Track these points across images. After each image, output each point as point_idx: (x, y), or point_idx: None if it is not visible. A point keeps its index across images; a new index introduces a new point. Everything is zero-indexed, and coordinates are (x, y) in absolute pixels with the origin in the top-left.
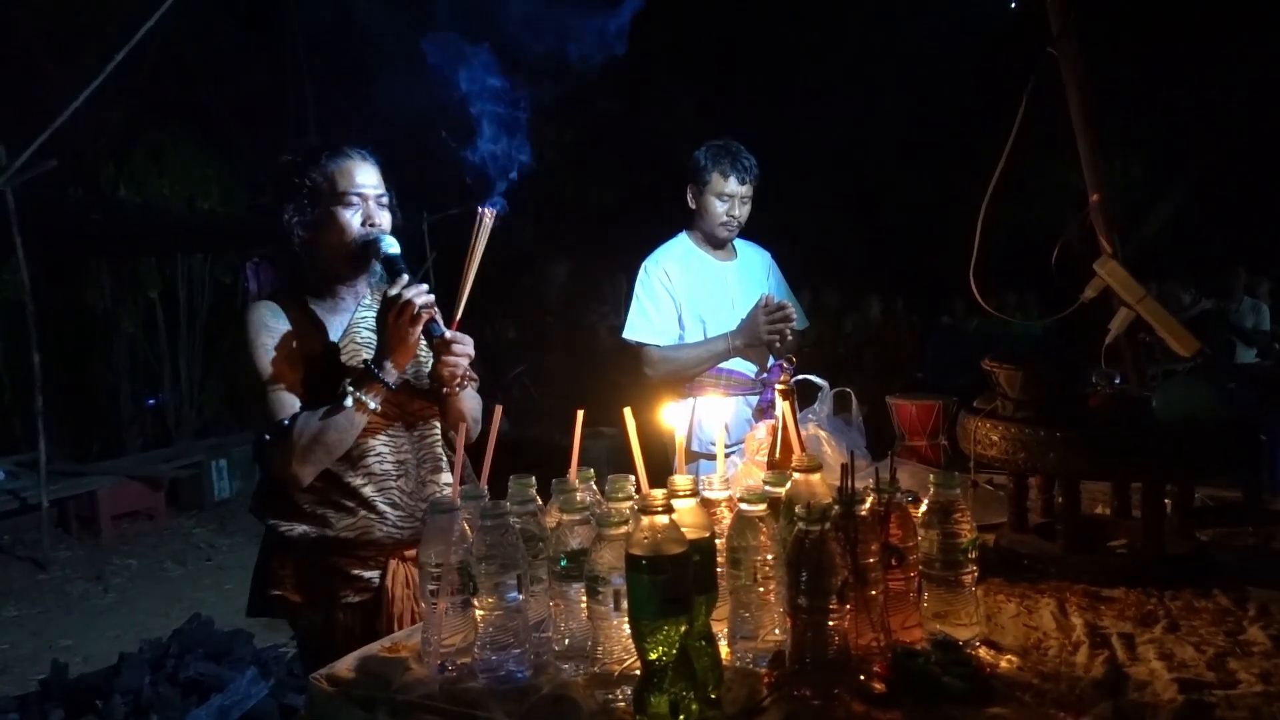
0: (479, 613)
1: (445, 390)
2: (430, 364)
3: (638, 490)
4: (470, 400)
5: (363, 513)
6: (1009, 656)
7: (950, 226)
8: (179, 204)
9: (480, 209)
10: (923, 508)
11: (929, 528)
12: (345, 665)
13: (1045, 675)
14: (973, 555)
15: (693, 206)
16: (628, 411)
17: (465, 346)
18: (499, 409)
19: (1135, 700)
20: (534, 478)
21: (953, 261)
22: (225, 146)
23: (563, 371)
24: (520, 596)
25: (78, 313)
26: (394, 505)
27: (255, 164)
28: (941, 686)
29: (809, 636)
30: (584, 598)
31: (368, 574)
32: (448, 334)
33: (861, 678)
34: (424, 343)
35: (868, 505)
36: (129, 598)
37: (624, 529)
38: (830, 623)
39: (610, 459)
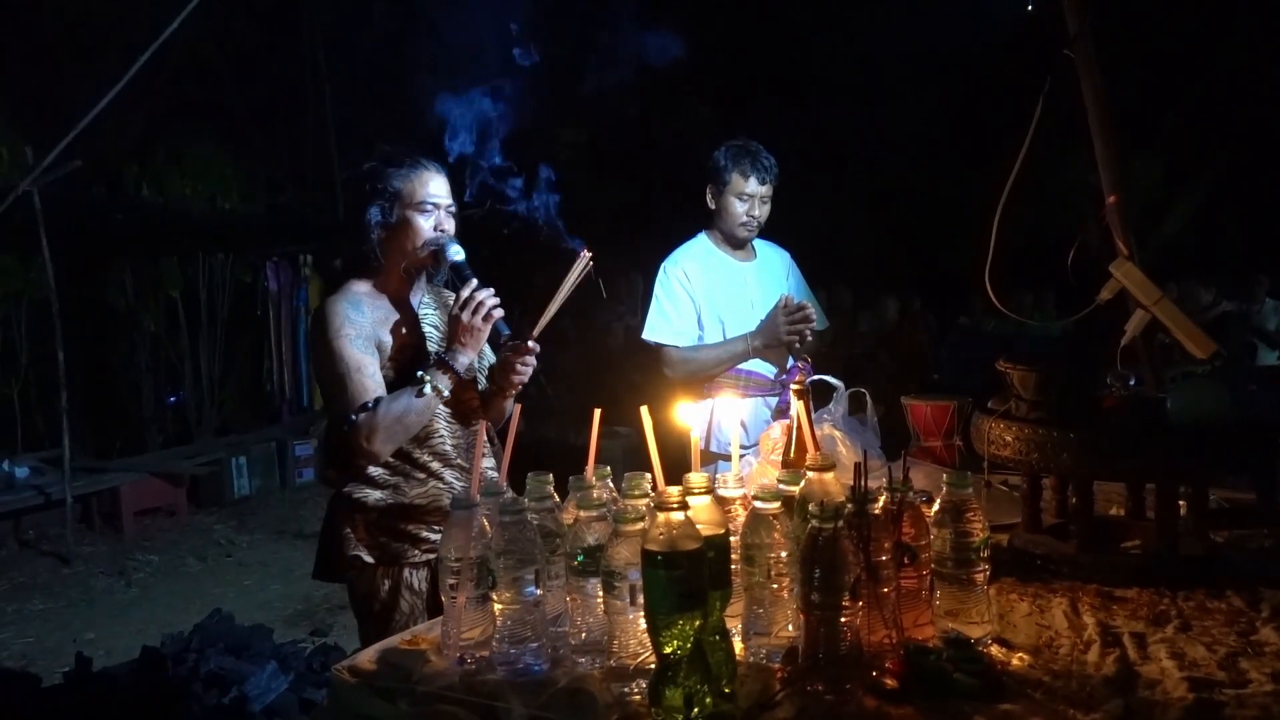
0: (497, 607)
1: (505, 391)
2: (482, 362)
3: (654, 488)
4: (510, 401)
5: (433, 483)
6: (1020, 654)
7: (967, 226)
8: (200, 204)
9: (579, 249)
10: (935, 507)
11: (941, 527)
12: (367, 657)
13: (1056, 673)
14: (985, 554)
15: (712, 207)
16: (644, 410)
17: (534, 358)
18: (518, 408)
19: (1145, 698)
20: (551, 475)
21: (970, 261)
22: (246, 147)
23: (578, 371)
24: (538, 591)
25: (101, 311)
26: (458, 479)
27: (275, 164)
28: (953, 683)
29: (822, 632)
30: (600, 593)
31: (434, 536)
32: (528, 343)
33: (874, 674)
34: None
35: (881, 504)
36: (151, 593)
37: (640, 525)
38: (843, 619)
39: (626, 458)
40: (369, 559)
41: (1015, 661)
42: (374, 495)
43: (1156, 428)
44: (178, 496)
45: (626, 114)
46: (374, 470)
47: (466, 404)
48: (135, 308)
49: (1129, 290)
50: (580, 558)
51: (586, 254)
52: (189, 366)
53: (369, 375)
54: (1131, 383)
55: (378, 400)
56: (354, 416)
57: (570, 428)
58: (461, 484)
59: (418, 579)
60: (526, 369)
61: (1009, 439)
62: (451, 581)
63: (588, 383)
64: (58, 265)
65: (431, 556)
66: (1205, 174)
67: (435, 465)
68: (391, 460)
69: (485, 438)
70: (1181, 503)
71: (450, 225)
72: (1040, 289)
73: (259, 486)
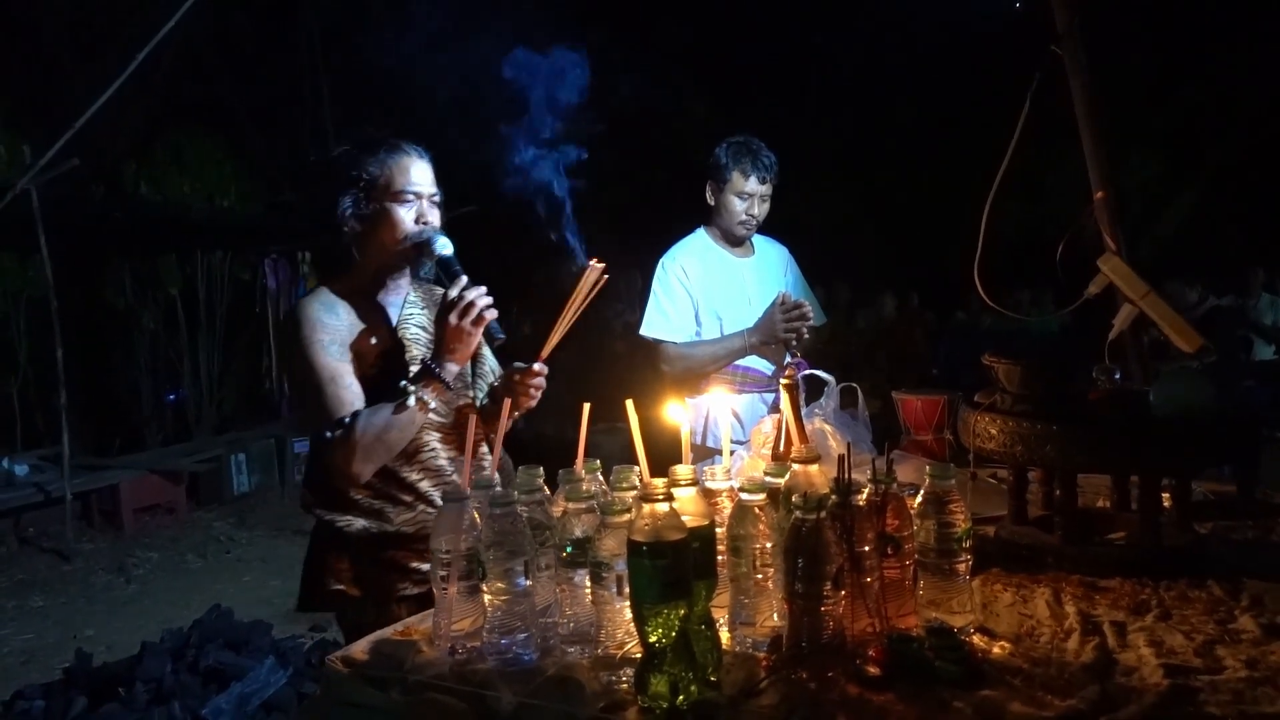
0: (487, 597)
1: (514, 412)
2: (470, 365)
3: (641, 480)
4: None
5: (421, 506)
6: (1002, 643)
7: (965, 223)
8: (198, 202)
9: (590, 262)
10: (918, 498)
11: (925, 518)
12: (360, 648)
13: (1036, 660)
14: (967, 545)
15: (711, 203)
16: (629, 404)
17: (543, 379)
18: (507, 402)
19: (1122, 684)
20: (542, 468)
21: (967, 258)
22: (244, 145)
23: (578, 368)
24: (527, 582)
25: (99, 310)
26: None
27: (274, 162)
28: (934, 670)
29: (805, 621)
30: (589, 583)
31: (426, 566)
32: (535, 366)
33: (857, 661)
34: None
35: (865, 495)
36: (150, 589)
37: (627, 516)
38: (825, 608)
39: (624, 454)
40: (354, 592)
41: (996, 650)
42: (358, 523)
43: (1139, 421)
44: (177, 494)
45: (625, 111)
46: (355, 494)
47: (464, 415)
48: (134, 306)
49: (1116, 285)
50: (569, 549)
51: (598, 265)
52: (188, 364)
53: (345, 386)
54: (1117, 376)
55: (355, 415)
56: (329, 434)
57: (569, 423)
58: None
59: (411, 612)
60: (537, 392)
61: (994, 432)
62: (442, 573)
63: (587, 379)
64: (56, 264)
65: (424, 589)
66: (1204, 170)
67: (424, 485)
68: (374, 482)
69: (482, 450)
70: (1165, 494)
71: (434, 216)
72: (1038, 286)
73: (258, 483)
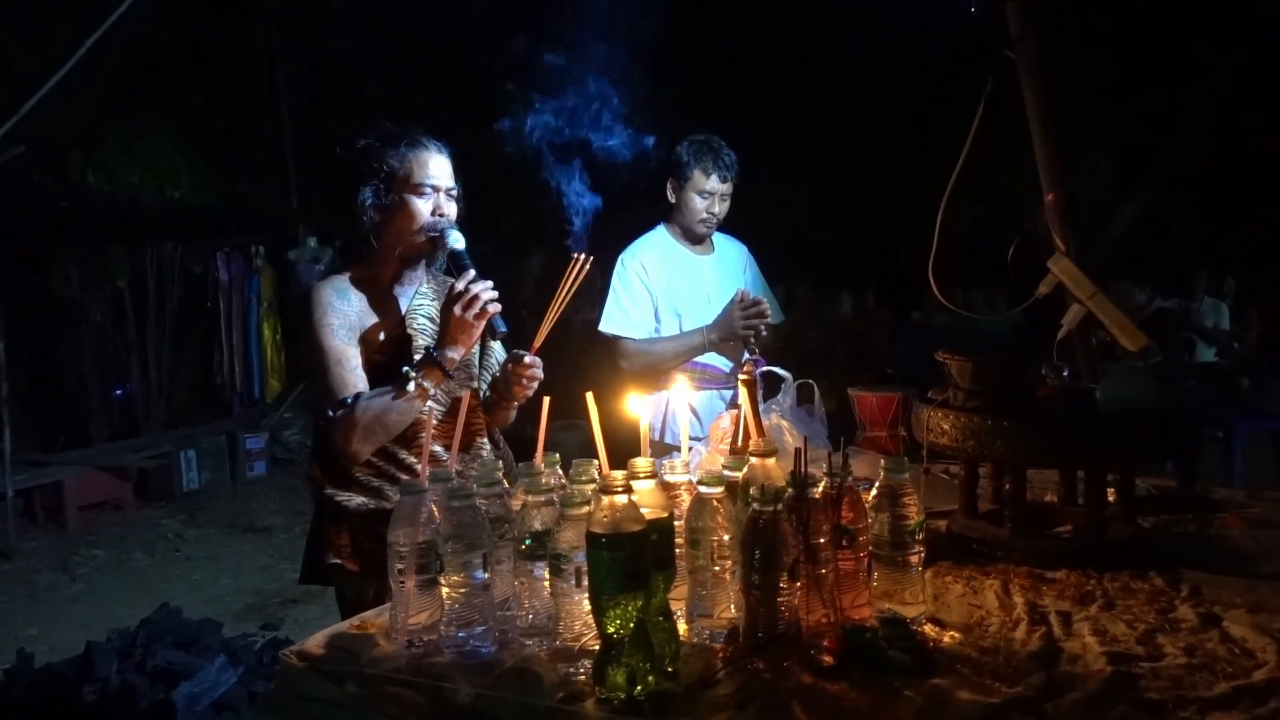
0: (445, 590)
1: (509, 403)
2: (478, 357)
3: (601, 472)
4: (514, 410)
5: None
6: (952, 632)
7: (922, 223)
8: (149, 192)
9: (577, 253)
10: (873, 492)
11: (879, 511)
12: (315, 642)
13: (984, 649)
14: (919, 537)
15: (672, 200)
16: (590, 396)
17: (539, 369)
18: (467, 394)
19: (1067, 671)
20: (500, 462)
21: (923, 258)
22: (197, 134)
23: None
24: (486, 575)
25: (44, 302)
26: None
27: (228, 153)
28: (887, 659)
29: (762, 612)
30: (548, 576)
31: None
32: (527, 358)
33: (811, 651)
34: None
35: (820, 489)
36: (96, 588)
37: (586, 509)
38: (781, 599)
39: (584, 450)
40: (352, 567)
41: (947, 639)
42: (356, 500)
43: (1085, 417)
44: (124, 490)
45: (584, 107)
46: (356, 472)
47: (461, 402)
48: (80, 298)
49: (1065, 285)
50: (528, 542)
51: (581, 256)
52: (136, 358)
53: (349, 369)
54: (1065, 374)
55: (357, 396)
56: (331, 413)
57: (526, 420)
58: None
59: None
60: (532, 383)
61: (946, 427)
62: (400, 566)
63: (547, 375)
64: None
65: None
66: (1154, 175)
67: (421, 467)
68: (375, 461)
69: (479, 441)
70: (1111, 490)
71: (451, 209)
72: (992, 286)
73: (209, 480)
